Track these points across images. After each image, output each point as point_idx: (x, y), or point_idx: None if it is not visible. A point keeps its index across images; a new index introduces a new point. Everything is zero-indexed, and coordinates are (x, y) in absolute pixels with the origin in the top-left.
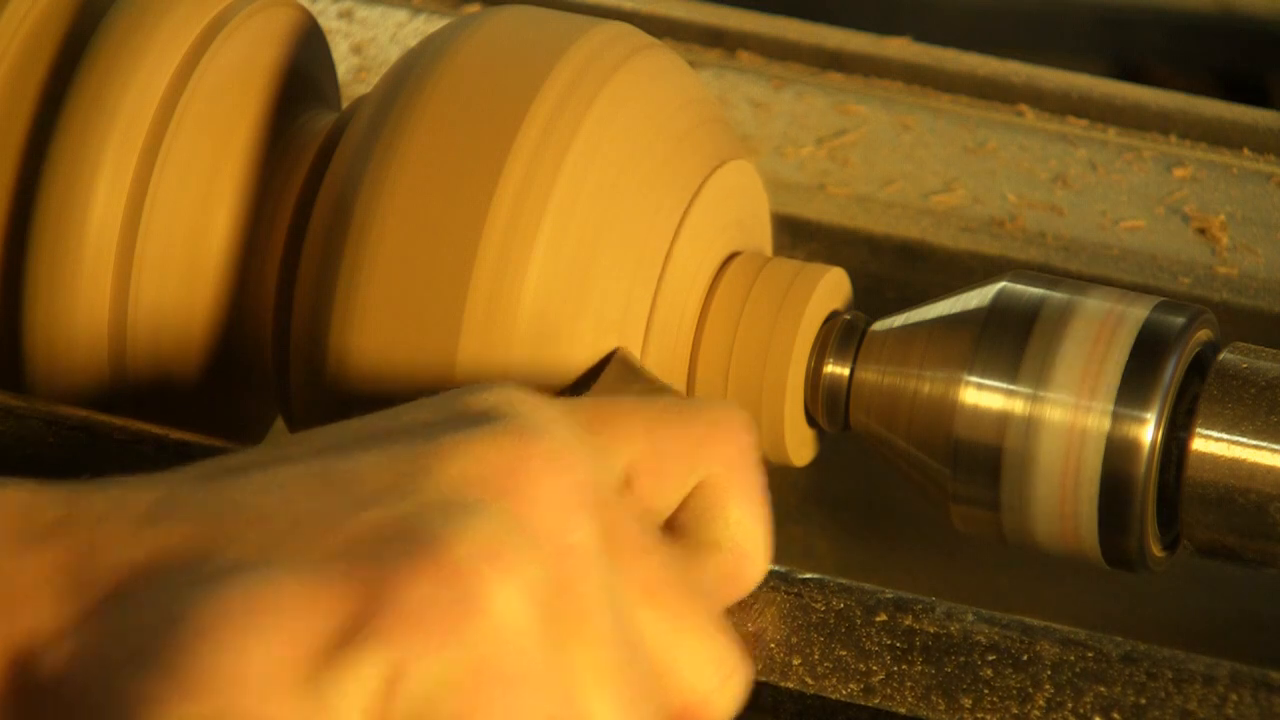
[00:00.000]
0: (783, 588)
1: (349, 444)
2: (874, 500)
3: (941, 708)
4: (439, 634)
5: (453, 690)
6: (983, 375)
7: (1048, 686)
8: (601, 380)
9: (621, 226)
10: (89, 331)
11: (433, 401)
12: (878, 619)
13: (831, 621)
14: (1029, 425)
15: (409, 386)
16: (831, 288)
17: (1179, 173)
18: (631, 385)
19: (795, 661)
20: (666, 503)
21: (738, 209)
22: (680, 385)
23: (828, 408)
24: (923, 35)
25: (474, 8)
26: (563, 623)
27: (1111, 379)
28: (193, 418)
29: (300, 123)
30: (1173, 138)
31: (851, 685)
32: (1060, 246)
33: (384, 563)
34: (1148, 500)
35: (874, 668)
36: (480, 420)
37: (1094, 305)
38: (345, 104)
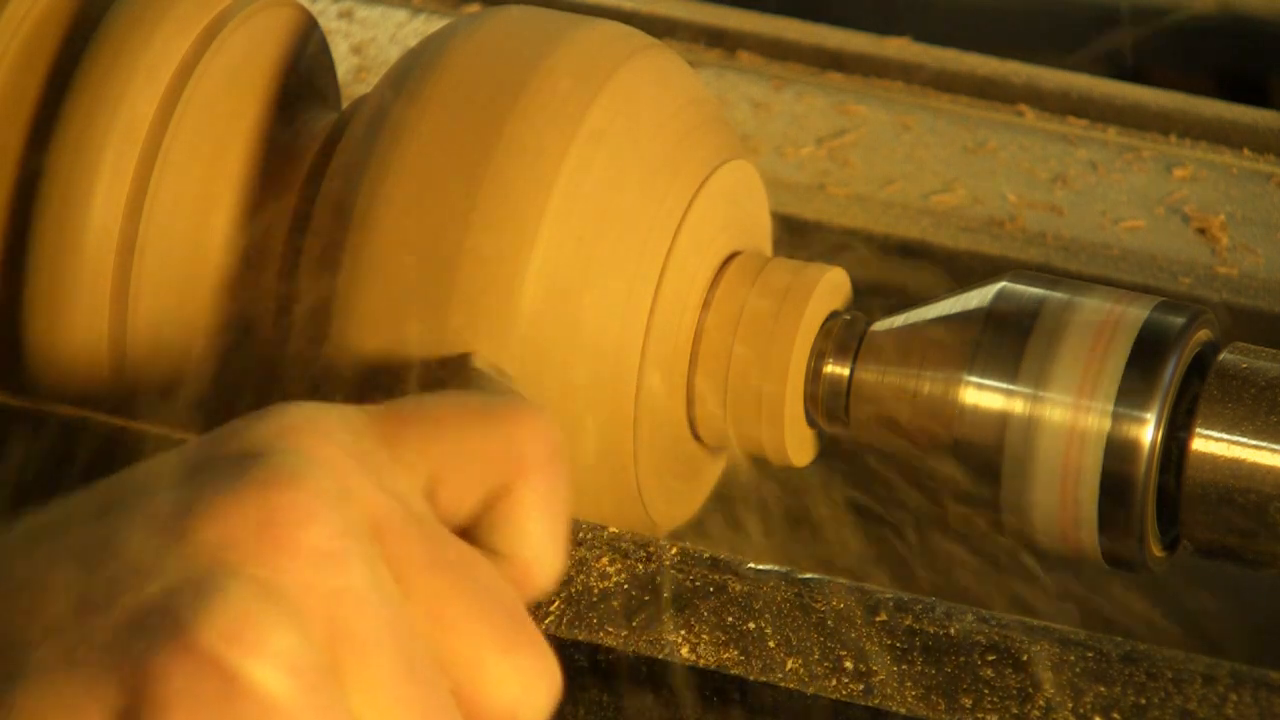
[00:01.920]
0: (783, 588)
1: (122, 503)
2: (874, 500)
3: (941, 708)
4: None
5: None
6: (983, 375)
7: (1048, 686)
8: (451, 387)
9: (621, 226)
10: (89, 332)
11: (213, 437)
12: (878, 619)
13: (831, 621)
14: (1029, 425)
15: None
16: (831, 288)
17: (1179, 173)
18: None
19: (795, 661)
20: (467, 508)
21: (738, 209)
22: (680, 385)
23: (828, 408)
24: (923, 35)
25: (474, 8)
26: (343, 669)
27: (1111, 379)
28: (192, 419)
29: (300, 123)
30: (1173, 138)
31: (851, 685)
32: (1060, 246)
33: (142, 656)
34: (1148, 500)
35: (874, 668)
36: (245, 464)
37: (1094, 305)
38: (345, 104)
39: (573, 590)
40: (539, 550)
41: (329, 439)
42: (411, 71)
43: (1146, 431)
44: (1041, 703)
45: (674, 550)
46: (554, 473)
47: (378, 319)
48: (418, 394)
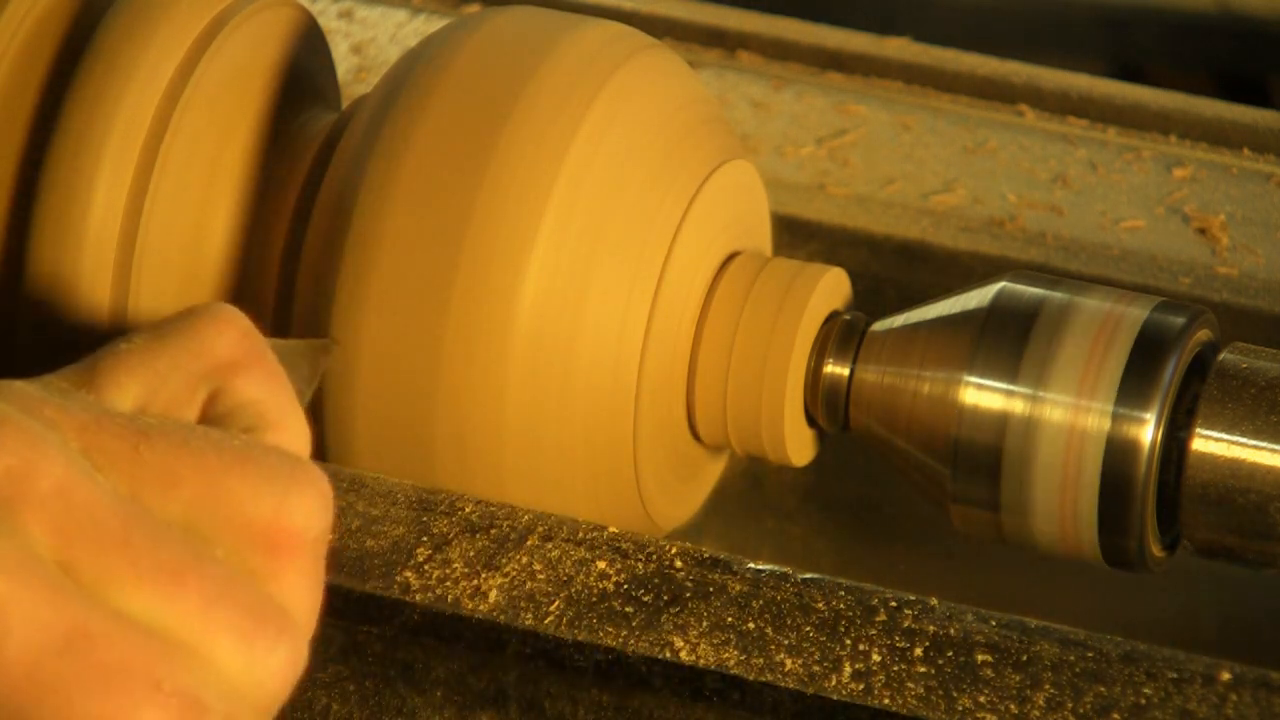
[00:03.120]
0: (783, 588)
1: None
2: (874, 500)
3: (941, 708)
4: None
5: None
6: (983, 375)
7: (1048, 686)
8: None
9: (621, 226)
10: (89, 330)
11: None
12: (878, 619)
13: (831, 621)
14: (1029, 425)
15: (408, 385)
16: (831, 288)
17: (1179, 173)
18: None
19: (795, 662)
20: (185, 418)
21: (738, 209)
22: (680, 385)
23: (828, 408)
24: (923, 35)
25: (474, 8)
26: (79, 561)
27: (1111, 379)
28: None
29: (300, 123)
30: (1173, 138)
31: (851, 685)
32: (1060, 246)
33: None
34: (1148, 500)
35: (874, 668)
36: None
37: (1094, 305)
38: (345, 104)
39: (573, 590)
40: (274, 425)
41: (11, 388)
42: (411, 72)
43: (1146, 431)
44: (1041, 702)
45: (674, 550)
46: (252, 355)
47: (378, 318)
48: (110, 342)
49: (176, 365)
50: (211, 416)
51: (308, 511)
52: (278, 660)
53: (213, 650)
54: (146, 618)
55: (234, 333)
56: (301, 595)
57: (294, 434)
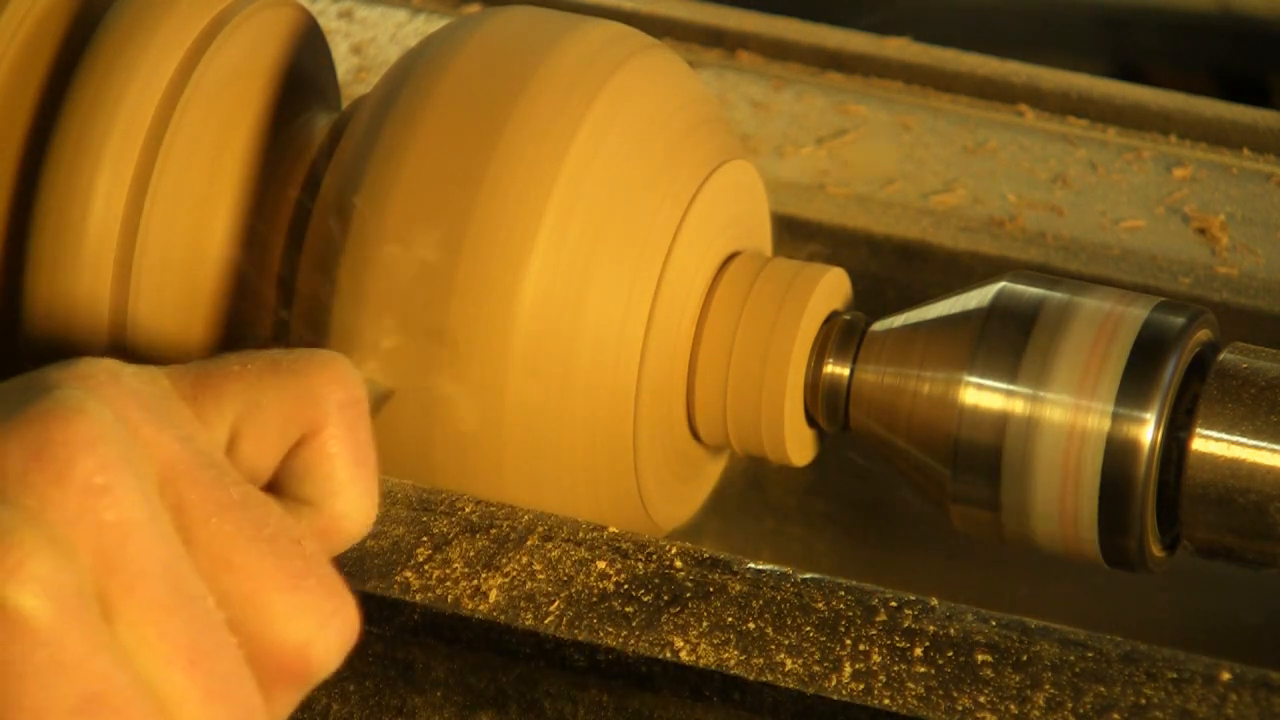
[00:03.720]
0: (783, 587)
1: None
2: (874, 500)
3: (941, 708)
4: None
5: None
6: (983, 375)
7: (1048, 686)
8: None
9: (621, 226)
10: (89, 331)
11: (18, 379)
12: (878, 619)
13: (831, 621)
14: (1029, 425)
15: (408, 384)
16: (831, 288)
17: (1179, 173)
18: None
19: (795, 662)
20: (267, 461)
21: (738, 209)
22: (680, 385)
23: (828, 408)
24: (923, 35)
25: (474, 8)
26: (110, 600)
27: (1111, 379)
28: None
29: (300, 123)
30: (1173, 138)
31: (852, 685)
32: (1060, 246)
33: None
34: (1148, 500)
35: (874, 667)
36: (30, 397)
37: (1094, 305)
38: (345, 104)
39: (573, 590)
40: (345, 495)
41: (122, 385)
42: (411, 72)
43: (1146, 431)
44: (1041, 702)
45: (674, 550)
46: (354, 417)
47: (378, 319)
48: (222, 354)
49: (281, 405)
50: (290, 467)
51: (330, 654)
52: None
53: None
54: (153, 682)
55: (344, 394)
56: (285, 714)
57: (357, 520)
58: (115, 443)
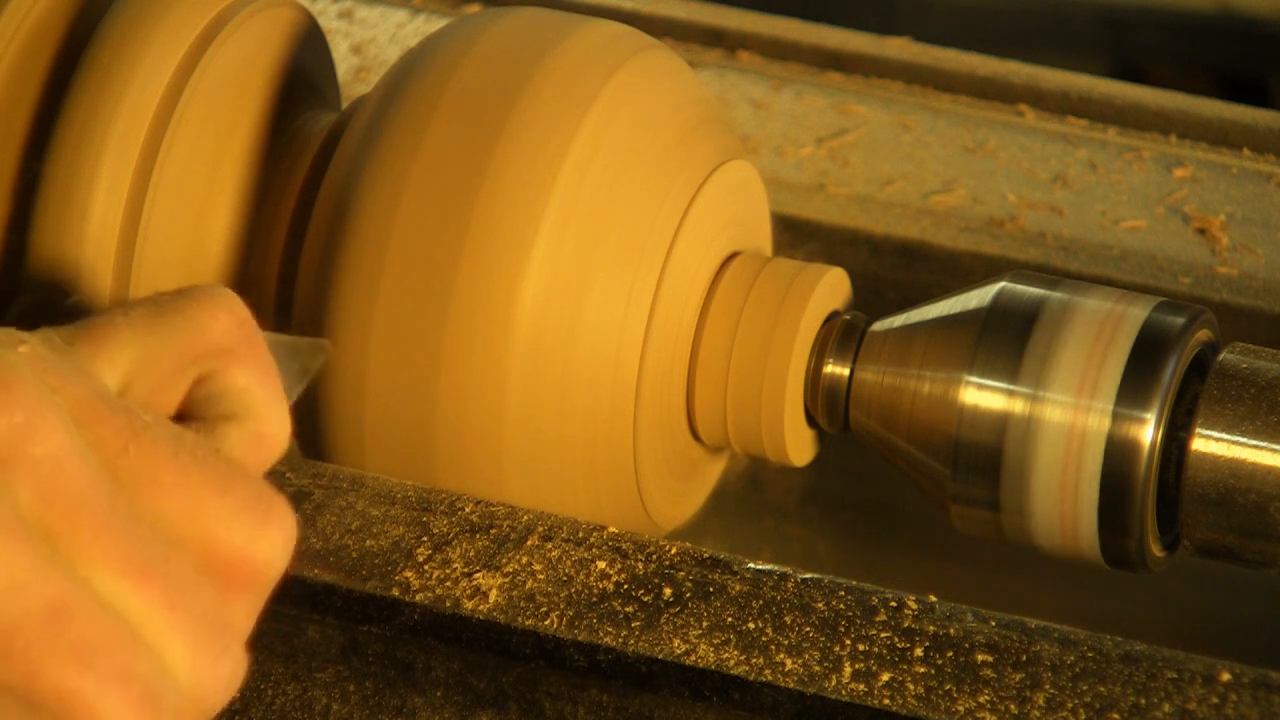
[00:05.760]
0: (783, 587)
1: None
2: (874, 500)
3: (941, 708)
4: None
5: None
6: (983, 375)
7: (1048, 686)
8: None
9: (621, 226)
10: None
11: None
12: (878, 619)
13: (831, 621)
14: (1029, 425)
15: (408, 384)
16: (831, 288)
17: (1179, 173)
18: None
19: (795, 662)
20: (171, 397)
21: (737, 209)
22: (680, 385)
23: (828, 408)
24: (923, 35)
25: (474, 8)
26: (56, 530)
27: (1111, 379)
28: None
29: (300, 123)
30: (1173, 138)
31: (852, 685)
32: (1060, 246)
33: None
34: (1148, 500)
35: (874, 667)
36: None
37: (1094, 305)
38: (345, 104)
39: (573, 590)
40: (258, 410)
41: (19, 340)
42: (411, 72)
43: (1146, 431)
44: (1041, 702)
45: (674, 550)
46: (245, 342)
47: (377, 318)
48: (107, 308)
49: (168, 344)
50: (196, 398)
51: (275, 551)
52: (223, 672)
53: (167, 648)
54: (114, 604)
55: (230, 318)
56: (246, 623)
57: (274, 426)
58: (30, 384)
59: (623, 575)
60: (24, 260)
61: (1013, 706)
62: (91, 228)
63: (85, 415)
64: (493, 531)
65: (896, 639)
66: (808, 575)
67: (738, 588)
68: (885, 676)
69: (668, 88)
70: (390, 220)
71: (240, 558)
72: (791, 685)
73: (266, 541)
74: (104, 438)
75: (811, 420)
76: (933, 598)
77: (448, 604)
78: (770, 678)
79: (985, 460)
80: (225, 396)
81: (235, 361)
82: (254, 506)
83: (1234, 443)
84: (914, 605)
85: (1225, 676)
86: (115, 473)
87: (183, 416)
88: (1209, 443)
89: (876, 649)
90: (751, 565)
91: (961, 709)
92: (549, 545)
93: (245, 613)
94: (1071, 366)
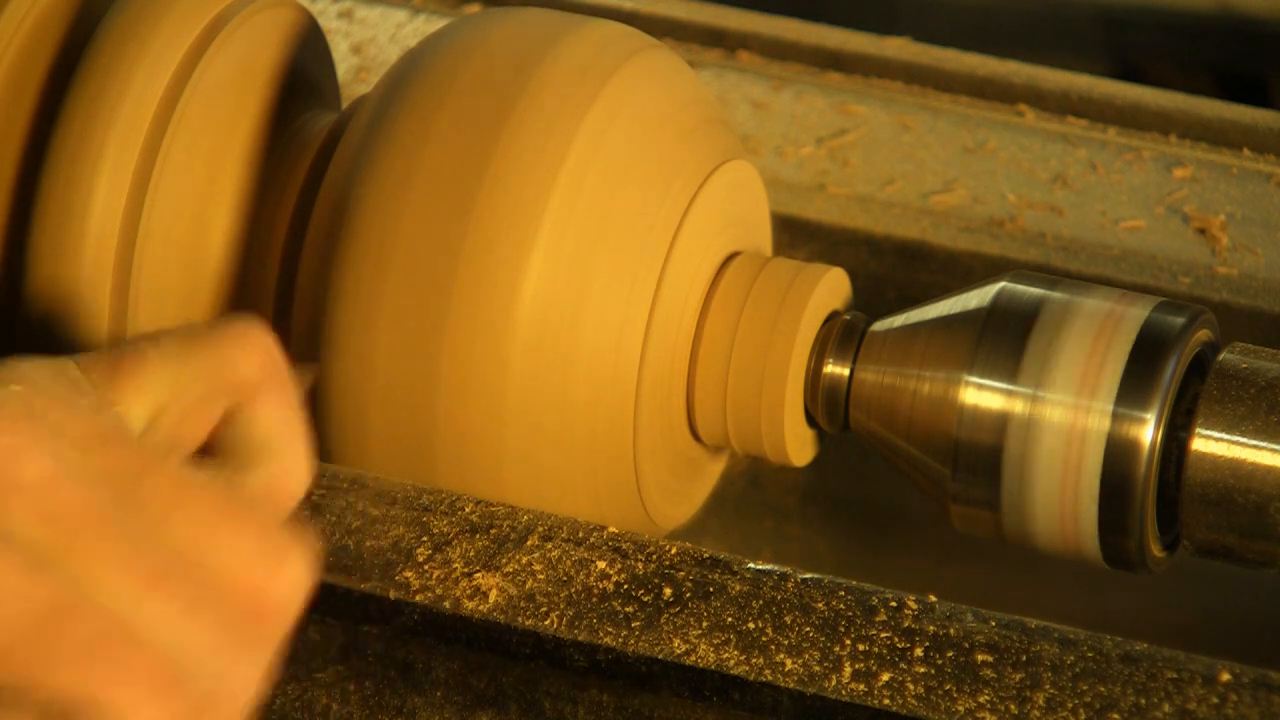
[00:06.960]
0: (783, 587)
1: None
2: (874, 500)
3: (941, 708)
4: None
5: None
6: (983, 375)
7: (1048, 686)
8: None
9: (621, 226)
10: (89, 331)
11: None
12: (878, 619)
13: (831, 621)
14: (1029, 425)
15: (408, 384)
16: (831, 288)
17: (1179, 173)
18: None
19: (795, 662)
20: (199, 429)
21: (737, 209)
22: (680, 385)
23: (828, 408)
24: (923, 35)
25: (474, 8)
26: (56, 549)
27: (1111, 379)
28: None
29: (300, 123)
30: (1173, 138)
31: (852, 685)
32: (1060, 246)
33: None
34: (1148, 500)
35: (874, 667)
36: None
37: (1094, 305)
38: (345, 104)
39: (573, 590)
40: (281, 456)
41: (17, 373)
42: (412, 72)
43: (1146, 431)
44: (1041, 702)
45: (674, 550)
46: (274, 379)
47: (377, 318)
48: (136, 337)
49: (199, 378)
50: (222, 433)
51: (291, 593)
52: (244, 675)
53: (186, 644)
54: (125, 606)
55: (261, 354)
56: (266, 661)
57: (297, 466)
58: (17, 413)
59: (623, 575)
60: (24, 260)
61: (1013, 706)
62: (92, 227)
63: (94, 446)
64: (493, 531)
65: (896, 639)
66: (808, 575)
67: (738, 588)
68: (885, 676)
69: (668, 87)
70: (391, 220)
71: (259, 592)
72: (791, 685)
73: (285, 585)
74: (115, 469)
75: (811, 420)
76: (933, 598)
77: (448, 604)
78: (770, 678)
79: (985, 460)
80: (250, 433)
81: (263, 397)
82: (274, 549)
83: (1234, 443)
84: (914, 605)
85: (1225, 676)
86: (128, 502)
87: (207, 450)
88: (1209, 443)
89: (876, 649)
90: (751, 565)
91: (961, 709)
92: (549, 545)
93: (264, 654)
94: (1071, 366)
